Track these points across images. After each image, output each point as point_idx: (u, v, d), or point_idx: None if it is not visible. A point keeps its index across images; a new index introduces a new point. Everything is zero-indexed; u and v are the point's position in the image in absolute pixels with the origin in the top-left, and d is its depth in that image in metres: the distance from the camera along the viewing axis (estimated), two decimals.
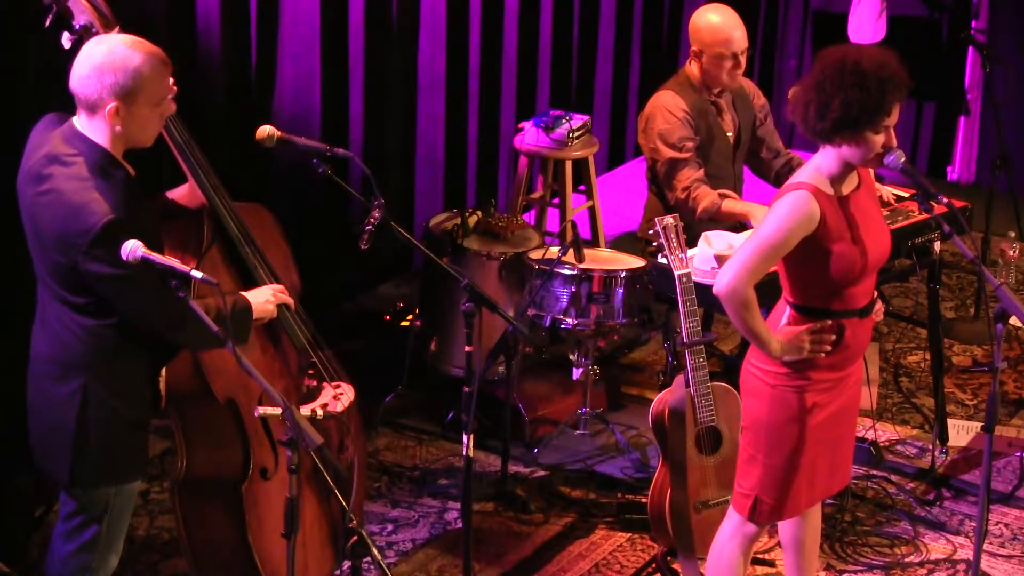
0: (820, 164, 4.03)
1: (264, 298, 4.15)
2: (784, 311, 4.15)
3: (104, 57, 3.70)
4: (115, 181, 3.73)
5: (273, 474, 4.33)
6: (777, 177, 5.88)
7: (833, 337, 4.08)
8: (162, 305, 3.77)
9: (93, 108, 3.73)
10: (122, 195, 3.72)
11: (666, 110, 5.61)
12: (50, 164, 3.74)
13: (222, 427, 4.26)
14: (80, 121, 3.77)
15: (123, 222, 3.67)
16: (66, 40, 3.95)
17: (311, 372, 4.45)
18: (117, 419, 3.90)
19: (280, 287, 4.25)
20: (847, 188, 4.06)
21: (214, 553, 4.35)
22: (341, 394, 4.39)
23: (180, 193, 4.29)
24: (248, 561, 4.29)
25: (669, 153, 5.58)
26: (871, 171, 4.21)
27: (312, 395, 4.40)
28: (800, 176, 4.05)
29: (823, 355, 4.08)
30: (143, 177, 3.88)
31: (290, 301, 4.27)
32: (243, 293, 4.12)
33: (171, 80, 3.82)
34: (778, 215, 3.98)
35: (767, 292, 4.27)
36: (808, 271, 4.05)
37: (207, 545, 4.34)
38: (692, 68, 5.70)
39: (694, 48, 5.65)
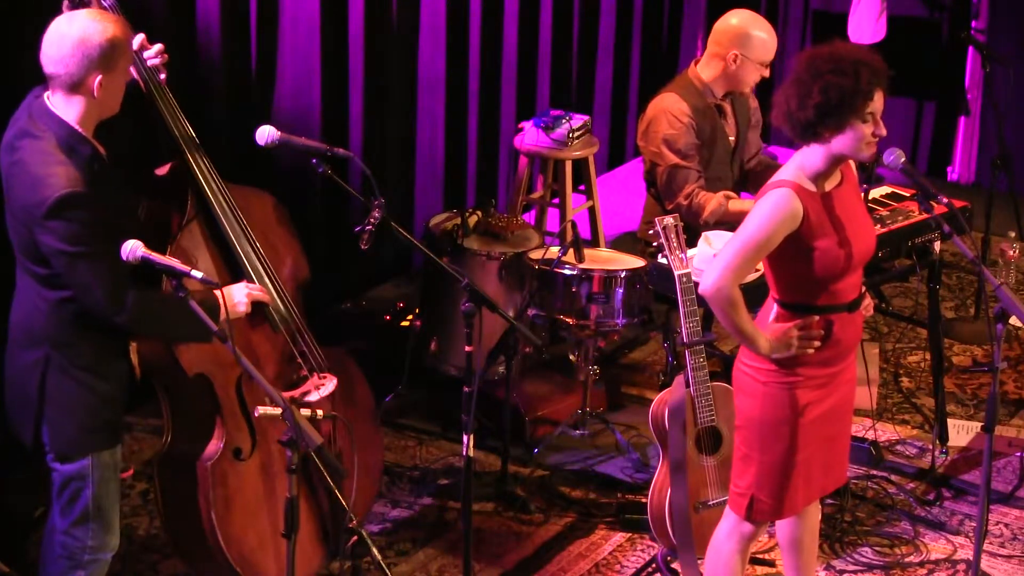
0: (803, 161, 4.04)
1: (236, 299, 4.19)
2: (772, 309, 4.15)
3: (81, 33, 3.77)
4: (79, 157, 3.81)
5: (248, 456, 4.34)
6: (748, 177, 5.87)
7: (821, 333, 4.08)
8: (110, 288, 3.81)
9: (75, 86, 3.80)
10: (83, 172, 3.79)
11: (671, 114, 5.60)
12: (22, 137, 3.84)
13: (198, 402, 4.29)
14: (54, 99, 3.84)
15: (80, 197, 3.74)
16: (65, 9, 4.02)
17: (299, 362, 4.47)
18: (84, 389, 3.95)
19: (257, 287, 4.27)
20: (830, 184, 4.07)
21: (186, 530, 4.37)
22: (322, 385, 4.42)
23: (166, 169, 4.35)
24: (213, 542, 4.30)
25: (673, 159, 5.57)
26: (853, 167, 4.22)
27: (297, 385, 4.43)
28: (782, 174, 4.06)
29: (812, 351, 4.08)
30: (139, 156, 3.91)
31: (266, 299, 4.29)
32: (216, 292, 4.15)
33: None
34: (761, 213, 3.99)
35: (760, 295, 4.28)
36: (793, 268, 4.05)
37: (181, 523, 4.37)
38: (698, 70, 5.68)
39: (736, 52, 5.60)
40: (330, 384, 4.46)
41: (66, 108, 3.83)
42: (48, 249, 3.79)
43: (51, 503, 4.10)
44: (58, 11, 3.99)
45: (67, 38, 3.78)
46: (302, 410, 3.70)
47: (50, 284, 3.87)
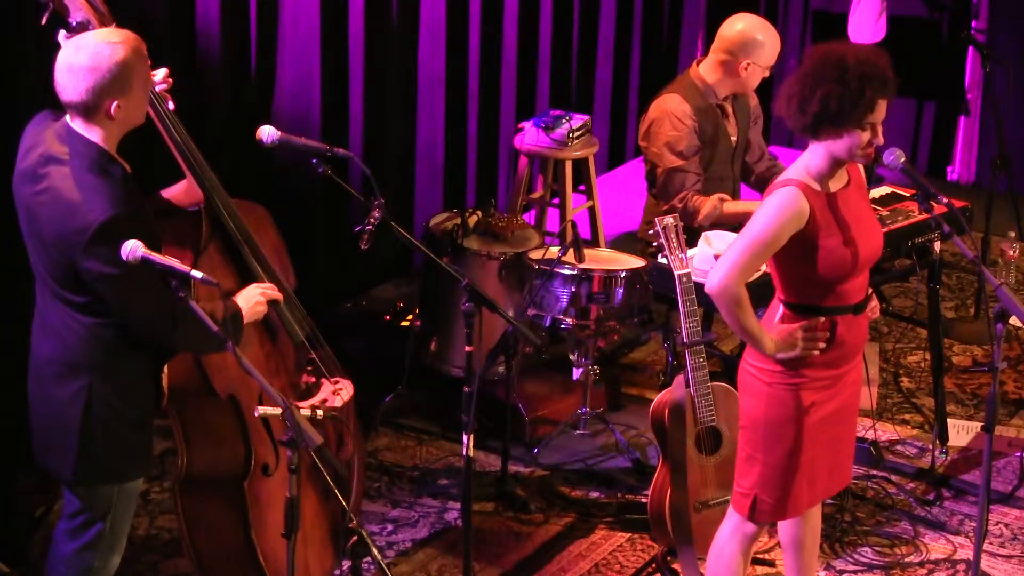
0: (808, 162, 4.04)
1: (253, 300, 4.15)
2: (778, 309, 4.15)
3: (90, 61, 3.68)
4: (113, 178, 3.73)
5: (275, 471, 4.32)
6: (758, 181, 5.88)
7: (827, 334, 4.08)
8: (158, 306, 3.76)
9: (91, 112, 3.73)
10: (121, 192, 3.72)
11: (674, 116, 5.59)
12: (46, 164, 3.74)
13: (223, 424, 4.26)
14: (75, 122, 3.76)
15: (122, 219, 3.67)
16: (62, 38, 3.92)
17: (310, 369, 4.45)
18: (120, 418, 3.90)
19: (269, 284, 4.24)
20: (836, 185, 4.07)
21: (217, 552, 4.34)
22: (340, 390, 4.40)
23: (176, 191, 4.27)
24: (252, 559, 4.29)
25: (674, 162, 5.57)
26: (861, 168, 4.22)
27: (311, 392, 4.40)
28: (789, 173, 4.06)
29: (818, 352, 4.08)
30: (141, 175, 3.88)
31: (279, 296, 4.26)
32: (233, 297, 4.12)
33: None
34: (767, 212, 4.00)
35: (762, 293, 4.27)
36: (799, 268, 4.05)
37: (210, 544, 4.34)
38: (700, 71, 5.67)
39: (748, 61, 5.59)
40: (349, 389, 4.44)
41: (89, 131, 3.75)
42: (94, 275, 3.70)
43: (59, 517, 4.05)
44: (54, 40, 3.90)
45: (76, 68, 3.68)
46: (302, 410, 3.69)
47: (91, 311, 3.79)
